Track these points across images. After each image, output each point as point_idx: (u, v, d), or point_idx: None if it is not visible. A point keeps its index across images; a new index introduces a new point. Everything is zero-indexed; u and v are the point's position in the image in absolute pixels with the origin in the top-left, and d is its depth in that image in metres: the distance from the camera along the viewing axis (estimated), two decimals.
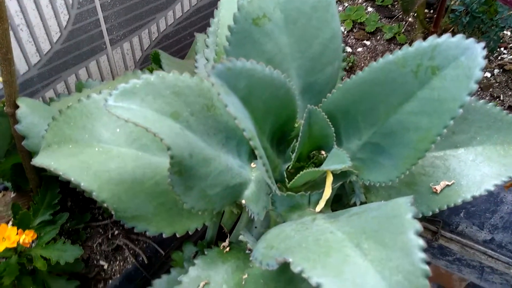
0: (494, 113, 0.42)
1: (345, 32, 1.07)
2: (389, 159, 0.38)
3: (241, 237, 0.45)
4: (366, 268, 0.27)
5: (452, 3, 0.90)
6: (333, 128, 0.39)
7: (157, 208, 0.41)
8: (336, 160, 0.36)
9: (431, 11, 1.05)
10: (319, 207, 0.39)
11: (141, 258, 0.67)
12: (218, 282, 0.44)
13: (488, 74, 0.93)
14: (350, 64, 0.95)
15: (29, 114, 0.48)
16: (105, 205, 0.37)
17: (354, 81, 0.37)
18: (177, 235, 0.42)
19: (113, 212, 0.38)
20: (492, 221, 0.80)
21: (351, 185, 0.45)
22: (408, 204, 0.29)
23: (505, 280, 0.88)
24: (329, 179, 0.39)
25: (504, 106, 0.84)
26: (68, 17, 0.75)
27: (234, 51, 0.37)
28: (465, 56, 0.33)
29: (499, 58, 0.94)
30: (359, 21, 1.08)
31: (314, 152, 0.44)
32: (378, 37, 1.07)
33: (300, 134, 0.38)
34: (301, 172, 0.37)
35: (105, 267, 0.67)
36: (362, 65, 0.99)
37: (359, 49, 1.04)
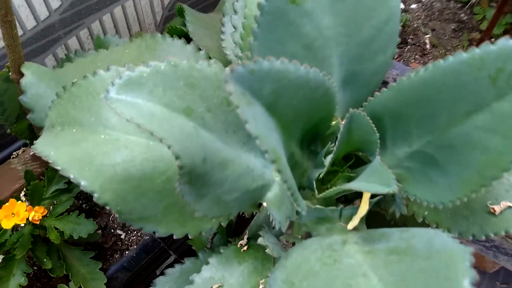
0: None
1: None
2: (444, 177, 0.31)
3: (260, 240, 0.40)
4: None
5: None
6: (378, 134, 0.32)
7: (167, 208, 0.36)
8: (378, 179, 0.30)
9: None
10: (351, 225, 0.34)
11: None
12: (233, 285, 0.40)
13: None
14: (401, 23, 0.83)
15: (35, 83, 0.44)
16: (107, 207, 0.33)
17: (411, 81, 0.29)
18: (190, 237, 0.38)
19: (116, 215, 0.34)
20: None
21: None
22: (466, 262, 0.23)
23: None
24: (367, 194, 0.33)
25: None
26: None
27: (264, 35, 0.30)
28: None
29: None
30: None
31: (352, 153, 0.37)
32: None
33: (337, 142, 0.31)
34: (331, 189, 0.31)
35: (122, 236, 0.65)
36: (415, 25, 0.87)
37: (413, 6, 0.92)
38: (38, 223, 0.50)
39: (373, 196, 0.34)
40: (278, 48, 0.31)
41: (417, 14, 0.89)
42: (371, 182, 0.30)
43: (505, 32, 0.79)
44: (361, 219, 0.35)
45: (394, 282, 0.25)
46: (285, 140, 0.30)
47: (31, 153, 0.69)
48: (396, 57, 0.78)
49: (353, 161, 0.38)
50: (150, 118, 0.29)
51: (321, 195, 0.33)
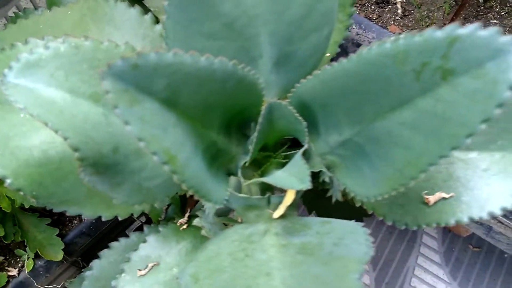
0: None
1: None
2: (371, 170, 0.30)
3: (195, 221, 0.39)
4: None
5: None
6: (305, 123, 0.30)
7: (92, 191, 0.35)
8: (295, 173, 0.28)
9: None
10: (277, 214, 0.32)
11: None
12: (169, 264, 0.40)
13: None
14: None
15: None
16: (21, 193, 0.32)
17: (335, 70, 0.27)
18: (119, 218, 0.37)
19: (33, 200, 0.33)
20: None
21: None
22: (356, 274, 0.22)
23: None
24: None
25: None
26: None
27: (176, 13, 0.27)
28: (493, 63, 0.22)
29: None
30: None
31: (287, 137, 0.35)
32: None
33: (256, 134, 0.29)
34: (250, 181, 0.30)
35: None
36: None
37: None
38: None
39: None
40: (194, 27, 0.28)
41: None
42: (289, 176, 0.28)
43: None
44: (292, 206, 0.34)
45: (292, 286, 0.24)
46: (199, 131, 0.28)
47: None
48: (374, 19, 0.73)
49: (290, 145, 0.36)
50: (50, 106, 0.26)
51: (246, 183, 0.32)
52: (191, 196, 0.58)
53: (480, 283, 1.01)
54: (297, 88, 0.30)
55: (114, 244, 0.47)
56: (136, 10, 0.46)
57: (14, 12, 0.62)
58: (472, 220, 0.32)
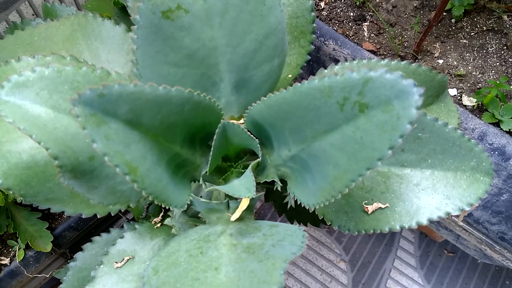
0: (453, 137, 0.36)
1: None
2: (312, 183, 0.35)
3: (167, 221, 0.44)
4: None
5: None
6: (256, 140, 0.35)
7: (74, 191, 0.40)
8: (244, 184, 0.33)
9: None
10: (233, 217, 0.37)
11: None
12: (143, 258, 0.45)
13: None
14: None
15: None
16: (10, 192, 0.37)
17: (277, 98, 0.32)
18: (98, 216, 0.42)
19: (20, 198, 0.37)
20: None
21: None
22: (281, 271, 0.27)
23: (479, 249, 0.87)
24: None
25: None
26: None
27: (143, 46, 0.32)
28: (398, 100, 0.27)
29: None
30: None
31: (246, 151, 0.40)
32: None
33: (212, 148, 0.34)
34: (208, 188, 0.34)
35: None
36: (378, 0, 0.86)
37: None
38: None
39: (258, 190, 0.38)
40: (160, 57, 0.33)
41: None
42: (239, 186, 0.33)
43: (465, 13, 0.79)
44: (248, 209, 0.39)
45: (232, 278, 0.29)
46: (162, 145, 0.32)
47: None
48: (351, 35, 0.78)
49: (248, 156, 0.41)
50: (35, 120, 0.31)
51: (207, 189, 0.37)
52: None
53: (453, 287, 1.06)
54: (250, 110, 0.35)
55: (96, 238, 0.52)
56: (121, 28, 0.51)
57: (12, 22, 0.67)
58: (402, 228, 0.37)
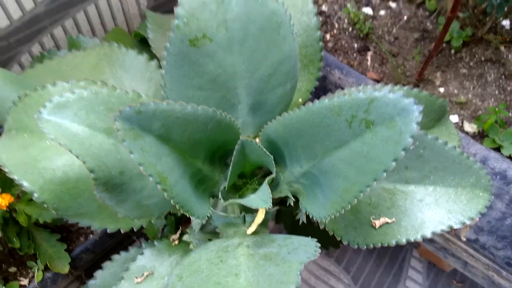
0: (452, 156, 0.39)
1: None
2: (323, 196, 0.37)
3: (185, 237, 0.47)
4: None
5: None
6: (271, 156, 0.38)
7: (101, 207, 0.43)
8: (260, 197, 0.36)
9: None
10: (250, 230, 0.40)
11: None
12: (162, 273, 0.47)
13: None
14: (365, 31, 0.87)
15: (1, 86, 0.50)
16: (45, 205, 0.40)
17: (291, 117, 0.35)
18: (122, 231, 0.45)
19: (53, 211, 0.40)
20: (478, 223, 0.78)
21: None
22: (297, 275, 0.29)
23: (486, 276, 0.88)
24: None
25: None
26: None
27: (172, 71, 0.36)
28: (400, 117, 0.30)
29: None
30: None
31: (260, 169, 0.43)
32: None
33: (231, 163, 0.37)
34: (228, 201, 0.37)
35: None
36: (380, 32, 0.91)
37: (382, 12, 0.95)
38: (5, 208, 0.57)
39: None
40: (185, 81, 0.37)
41: (384, 21, 0.92)
42: (256, 199, 0.36)
43: (464, 44, 0.83)
44: (263, 224, 0.42)
45: (252, 282, 0.31)
46: (187, 160, 0.36)
47: None
48: (355, 65, 0.82)
49: (265, 173, 0.44)
50: (73, 137, 0.35)
51: (225, 203, 0.40)
52: (186, 220, 0.66)
53: None
54: (265, 128, 0.38)
55: (115, 256, 0.55)
56: (144, 57, 0.56)
57: (40, 52, 0.72)
58: (408, 241, 0.39)
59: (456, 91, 0.78)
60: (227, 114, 0.35)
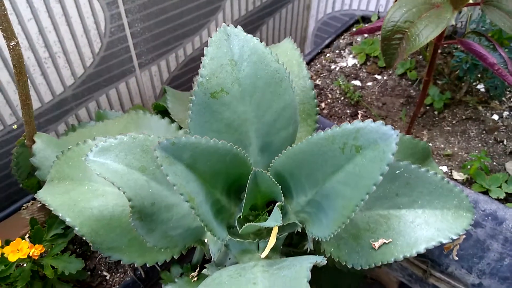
0: (435, 181, 0.46)
1: (358, 65, 1.10)
2: (326, 218, 0.43)
3: (204, 271, 0.51)
4: None
5: (458, 48, 0.92)
6: (279, 186, 0.45)
7: (130, 241, 0.48)
8: (273, 218, 0.42)
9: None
10: (263, 254, 0.45)
11: (139, 272, 0.75)
12: None
13: (496, 117, 0.93)
14: (355, 99, 0.98)
15: (43, 149, 0.58)
16: (84, 238, 0.46)
17: (294, 149, 0.43)
18: (148, 265, 0.49)
19: (90, 244, 0.46)
20: (479, 267, 0.81)
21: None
22: (307, 270, 0.34)
23: None
24: (274, 230, 0.45)
25: (506, 152, 0.84)
26: (101, 45, 0.86)
27: (196, 118, 0.44)
28: (382, 140, 0.37)
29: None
30: (372, 55, 1.10)
31: (270, 201, 0.49)
32: (390, 72, 1.09)
33: (246, 191, 0.44)
34: (245, 225, 0.43)
35: (107, 277, 0.75)
36: (369, 100, 1.02)
37: (369, 83, 1.08)
38: (37, 258, 0.62)
39: (282, 232, 0.46)
40: (207, 126, 0.45)
41: (371, 90, 1.04)
42: (269, 220, 0.42)
43: (445, 106, 0.93)
44: (275, 250, 0.47)
45: (268, 285, 0.36)
46: (208, 189, 0.42)
47: (38, 205, 0.83)
48: None
49: (272, 207, 0.50)
50: (115, 173, 0.42)
51: (241, 230, 0.45)
52: (201, 268, 0.69)
53: None
54: (273, 163, 0.45)
55: None
56: (165, 120, 0.65)
57: (71, 124, 0.82)
58: (405, 258, 0.44)
59: (442, 146, 0.87)
60: (242, 150, 0.42)
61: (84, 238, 0.46)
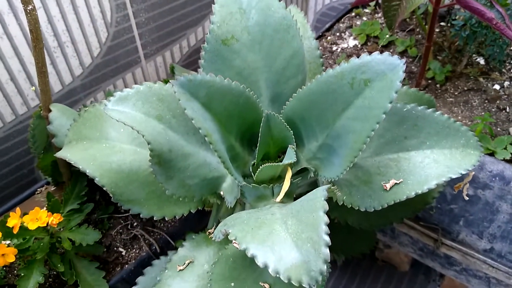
0: (442, 121, 0.47)
1: (359, 46, 1.12)
2: (337, 158, 0.45)
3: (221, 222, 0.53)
4: (285, 239, 0.34)
5: (457, 17, 0.94)
6: (291, 131, 0.46)
7: (148, 195, 0.50)
8: (287, 157, 0.43)
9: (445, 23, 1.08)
10: (278, 198, 0.46)
11: (154, 247, 0.76)
12: (201, 261, 0.52)
13: (497, 86, 0.95)
14: None
15: (59, 116, 0.60)
16: (104, 188, 0.47)
17: (304, 91, 0.44)
18: (166, 218, 0.51)
19: (111, 195, 0.48)
20: (490, 230, 0.82)
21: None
22: (323, 191, 0.36)
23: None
24: (288, 174, 0.46)
25: (509, 118, 0.86)
26: (107, 35, 0.88)
27: (208, 66, 0.46)
28: (389, 70, 0.39)
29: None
30: (372, 35, 1.12)
31: (282, 152, 0.51)
32: (390, 50, 1.11)
33: (259, 135, 0.45)
34: (260, 167, 0.45)
35: (123, 253, 0.77)
36: None
37: None
38: (55, 226, 0.63)
39: (295, 177, 0.48)
40: (218, 74, 0.46)
41: None
42: (284, 160, 0.44)
43: (446, 79, 0.95)
44: (289, 196, 0.48)
45: (286, 212, 0.38)
46: (223, 132, 0.44)
47: (52, 189, 0.84)
48: None
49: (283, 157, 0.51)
50: (133, 119, 0.44)
51: (255, 175, 0.47)
52: None
53: None
54: (284, 108, 0.47)
55: (155, 262, 0.59)
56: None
57: (83, 105, 0.83)
58: (416, 194, 0.45)
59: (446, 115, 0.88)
60: (254, 94, 0.44)
61: (104, 188, 0.47)
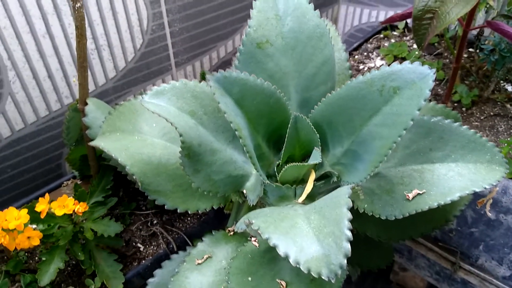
0: (468, 135, 0.48)
1: (386, 66, 1.13)
2: (362, 164, 0.46)
3: (239, 223, 0.54)
4: (307, 232, 0.35)
5: (486, 42, 0.94)
6: (317, 134, 0.48)
7: (175, 187, 0.51)
8: (313, 158, 0.44)
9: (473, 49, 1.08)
10: (300, 199, 0.47)
11: (171, 246, 0.78)
12: (219, 257, 0.53)
13: None
14: None
15: (94, 110, 0.63)
16: (134, 177, 0.49)
17: (333, 96, 0.46)
18: (189, 212, 0.52)
19: (139, 184, 0.49)
20: (511, 257, 0.80)
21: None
22: (348, 189, 0.37)
23: None
24: (312, 175, 0.47)
25: None
26: (142, 41, 0.92)
27: (242, 67, 0.48)
28: (419, 79, 0.40)
29: None
30: (400, 56, 1.13)
31: (306, 156, 0.52)
32: None
33: (286, 136, 0.47)
34: (285, 166, 0.46)
35: (141, 249, 0.78)
36: None
37: None
38: (81, 214, 0.65)
39: (319, 180, 0.49)
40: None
41: None
42: (310, 160, 0.45)
43: (473, 103, 0.95)
44: (310, 198, 0.49)
45: (309, 208, 0.39)
46: (251, 131, 0.46)
47: (78, 182, 0.87)
48: None
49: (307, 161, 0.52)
50: (168, 112, 0.46)
51: (279, 175, 0.48)
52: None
53: None
54: (312, 112, 0.48)
55: (173, 256, 0.61)
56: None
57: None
58: (439, 205, 0.46)
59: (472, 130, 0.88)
60: (284, 96, 0.46)
61: (134, 176, 0.49)
